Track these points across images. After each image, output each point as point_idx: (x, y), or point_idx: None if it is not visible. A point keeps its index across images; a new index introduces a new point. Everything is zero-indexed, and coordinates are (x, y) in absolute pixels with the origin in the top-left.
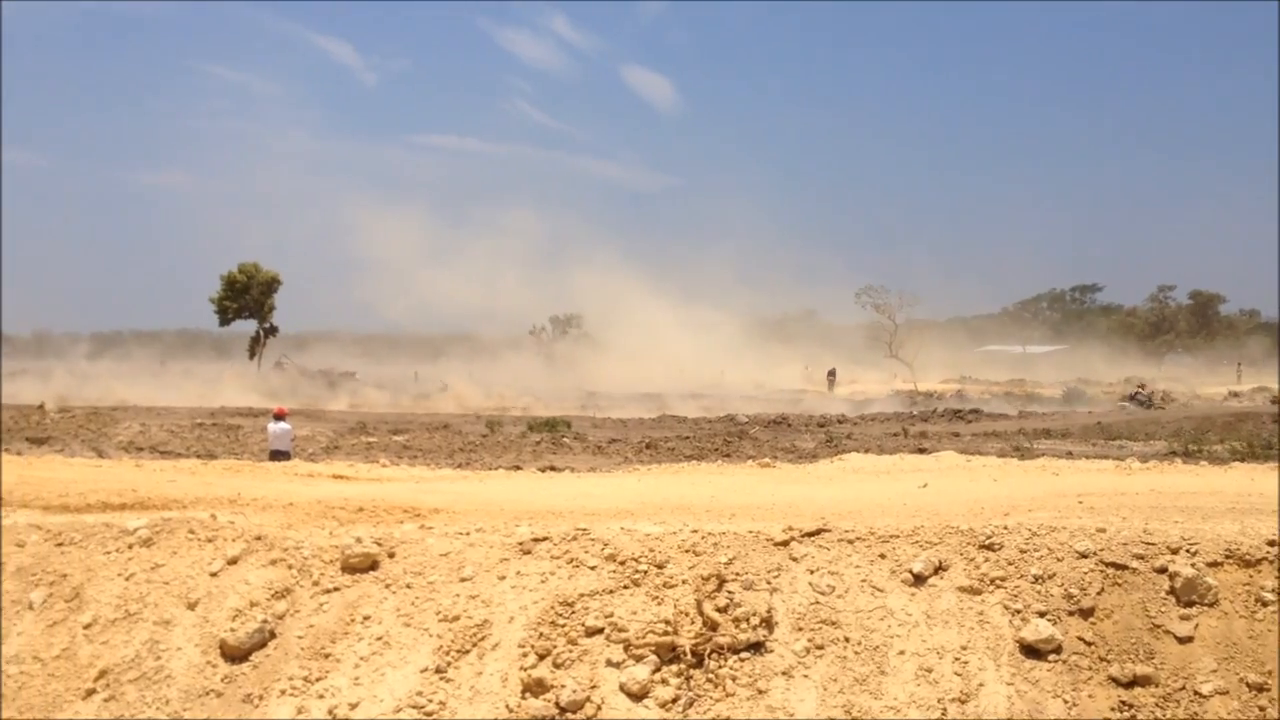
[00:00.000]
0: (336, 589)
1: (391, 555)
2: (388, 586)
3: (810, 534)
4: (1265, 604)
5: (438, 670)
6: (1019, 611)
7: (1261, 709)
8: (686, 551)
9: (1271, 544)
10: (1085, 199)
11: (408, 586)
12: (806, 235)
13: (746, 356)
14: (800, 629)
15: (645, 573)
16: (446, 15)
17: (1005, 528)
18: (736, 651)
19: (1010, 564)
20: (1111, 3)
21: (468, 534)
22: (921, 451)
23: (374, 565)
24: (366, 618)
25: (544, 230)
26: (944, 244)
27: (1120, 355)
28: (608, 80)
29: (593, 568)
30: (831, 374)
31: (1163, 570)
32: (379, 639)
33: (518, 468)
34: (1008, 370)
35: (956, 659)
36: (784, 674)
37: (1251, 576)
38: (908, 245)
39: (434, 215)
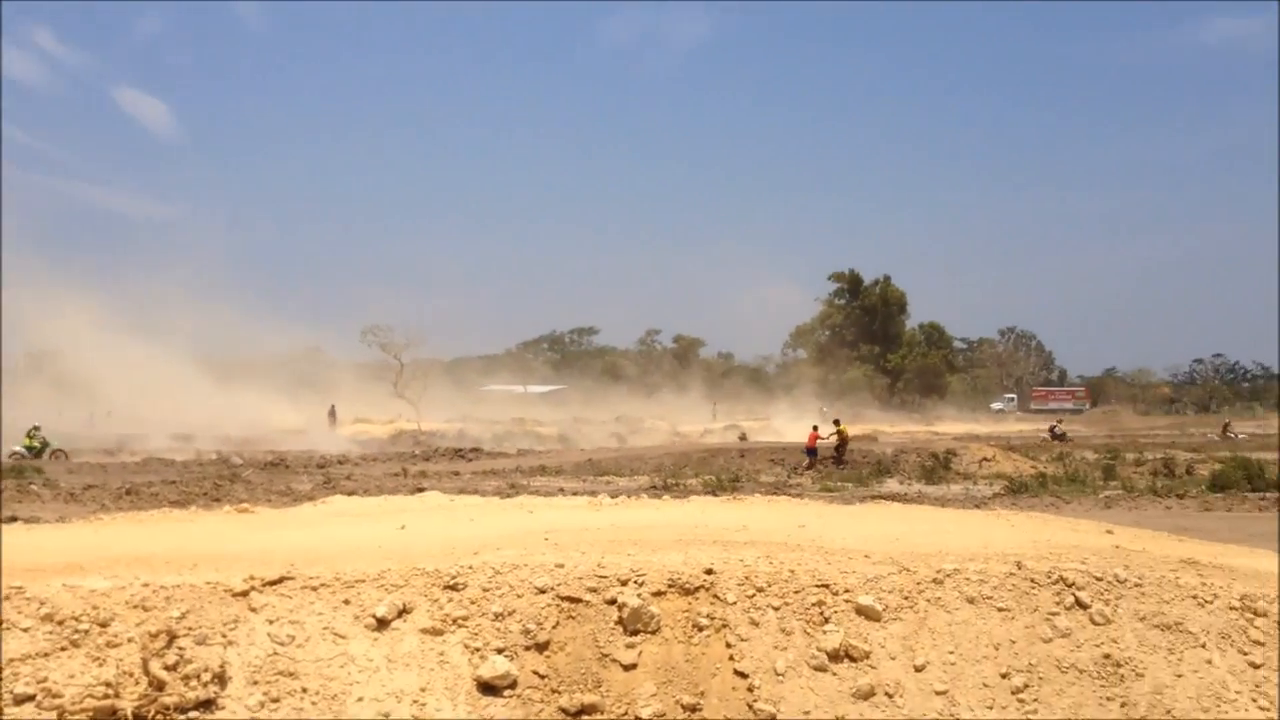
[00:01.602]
0: None
1: None
2: None
3: (272, 583)
4: (701, 629)
5: None
6: (478, 649)
7: None
8: (135, 607)
9: (709, 572)
10: (585, 246)
11: None
12: (314, 271)
13: (244, 395)
14: (256, 682)
15: (86, 632)
16: None
17: (470, 567)
18: (185, 710)
19: (473, 603)
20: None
21: None
22: (419, 491)
23: None
24: None
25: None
26: (451, 284)
27: (611, 394)
28: (97, 100)
29: (26, 629)
30: (332, 412)
31: (613, 601)
32: None
33: None
34: (509, 409)
35: (415, 701)
36: None
37: (690, 604)
38: (413, 285)
39: None
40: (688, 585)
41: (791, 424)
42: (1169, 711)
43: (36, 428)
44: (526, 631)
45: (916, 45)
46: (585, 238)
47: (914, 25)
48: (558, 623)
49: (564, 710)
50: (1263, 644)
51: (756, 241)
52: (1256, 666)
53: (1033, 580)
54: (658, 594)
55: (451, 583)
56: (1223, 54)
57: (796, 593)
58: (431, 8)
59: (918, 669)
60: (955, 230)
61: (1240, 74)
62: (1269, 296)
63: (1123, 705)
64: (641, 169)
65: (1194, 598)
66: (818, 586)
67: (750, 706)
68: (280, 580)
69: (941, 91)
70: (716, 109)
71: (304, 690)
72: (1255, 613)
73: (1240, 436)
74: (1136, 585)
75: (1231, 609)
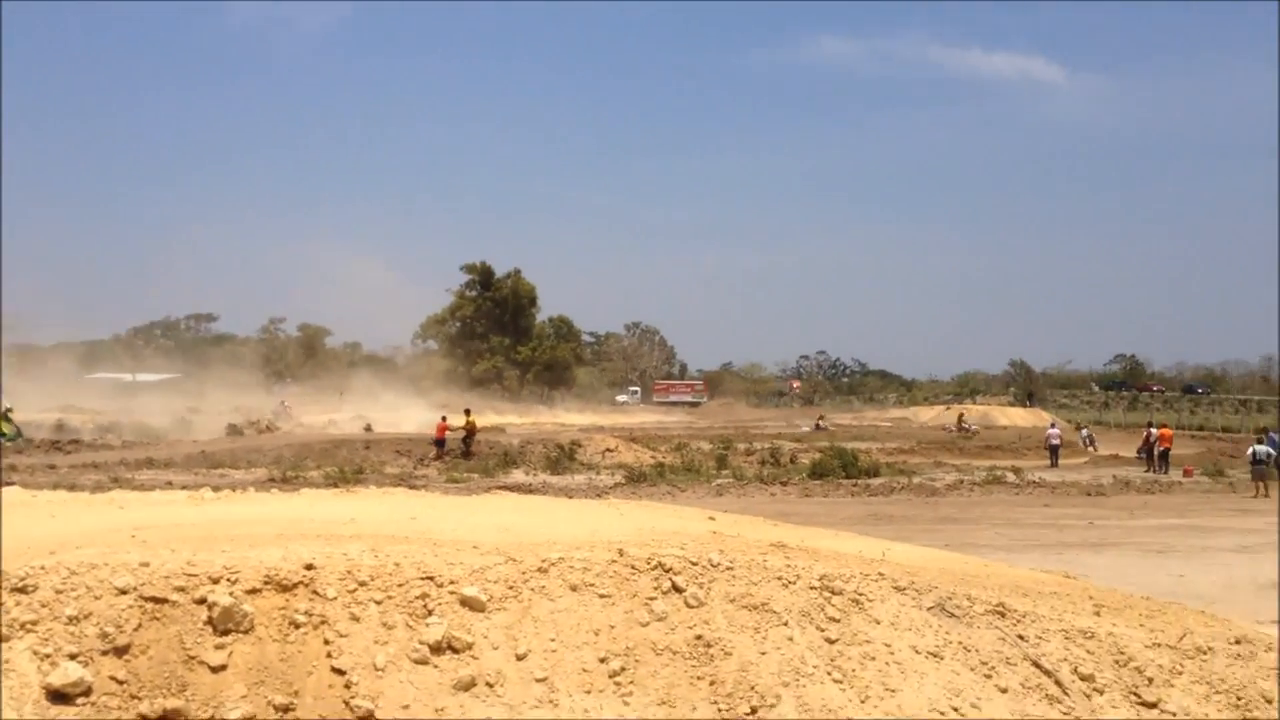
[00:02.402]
0: None
1: None
2: None
3: None
4: (298, 626)
5: None
6: (48, 656)
7: None
8: None
9: (309, 567)
10: (207, 228)
11: None
12: None
13: None
14: None
15: None
16: None
17: (43, 567)
18: None
19: (44, 606)
20: None
21: None
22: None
23: None
24: None
25: None
26: (44, 262)
27: (231, 383)
28: None
29: None
30: None
31: (203, 601)
32: None
33: None
34: (118, 399)
35: None
36: None
37: (288, 600)
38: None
39: None
40: (285, 581)
41: (420, 415)
42: (753, 687)
43: None
44: (104, 635)
45: (538, 44)
46: (204, 217)
47: (546, 28)
48: (140, 625)
49: (144, 717)
50: (838, 620)
51: (386, 231)
52: (832, 642)
53: (633, 566)
54: (252, 591)
55: (20, 585)
56: (827, 73)
57: (400, 585)
58: None
59: (519, 657)
60: (584, 227)
61: (843, 93)
62: (866, 297)
63: (711, 683)
64: (268, 152)
65: (779, 579)
66: (422, 579)
67: (347, 704)
68: None
69: (571, 90)
70: (350, 94)
71: None
72: (832, 591)
73: (829, 427)
74: (729, 569)
75: (812, 588)
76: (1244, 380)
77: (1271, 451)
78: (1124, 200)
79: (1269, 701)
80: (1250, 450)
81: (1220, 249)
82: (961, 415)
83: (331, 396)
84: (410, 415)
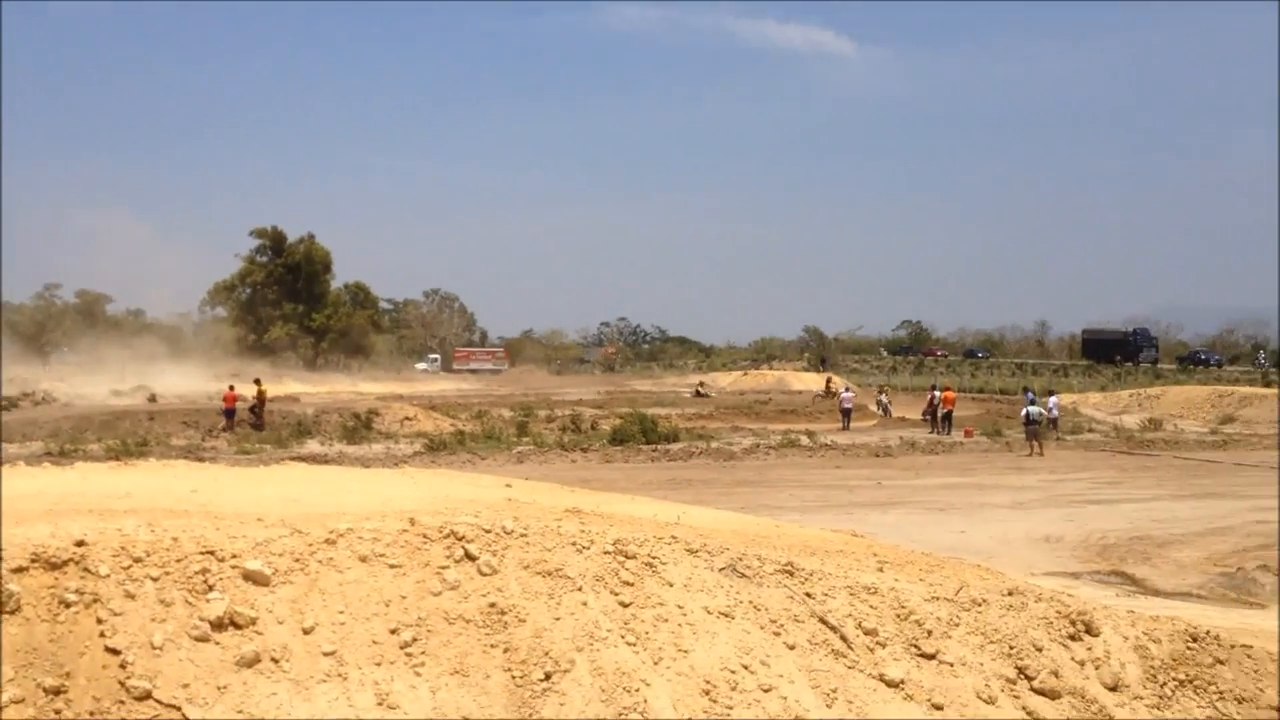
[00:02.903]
0: None
1: None
2: None
3: None
4: (69, 605)
5: None
6: None
7: (58, 711)
8: None
9: (80, 544)
10: None
11: None
12: None
13: None
14: None
15: None
16: None
17: None
18: None
19: None
20: None
21: None
22: None
23: None
24: None
25: None
26: None
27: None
28: None
29: None
30: None
31: None
32: None
33: None
34: None
35: None
36: None
37: (57, 579)
38: None
39: None
40: (54, 559)
41: (210, 385)
42: (547, 653)
43: None
44: None
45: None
46: None
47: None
48: None
49: None
50: (631, 584)
51: (168, 195)
52: (626, 605)
53: (425, 536)
54: (19, 570)
55: None
56: (624, 38)
57: (179, 561)
58: None
59: (306, 631)
60: (381, 193)
61: (640, 60)
62: (666, 265)
63: (505, 651)
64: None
65: (573, 544)
66: (203, 554)
67: (123, 684)
68: None
69: (365, 49)
70: (126, 48)
71: None
72: (626, 555)
73: (709, 394)
74: (522, 535)
75: (606, 553)
76: (1020, 344)
77: (1043, 412)
78: (911, 170)
79: (1039, 649)
80: (1024, 411)
81: (1001, 220)
82: (829, 379)
83: (113, 366)
84: (199, 385)
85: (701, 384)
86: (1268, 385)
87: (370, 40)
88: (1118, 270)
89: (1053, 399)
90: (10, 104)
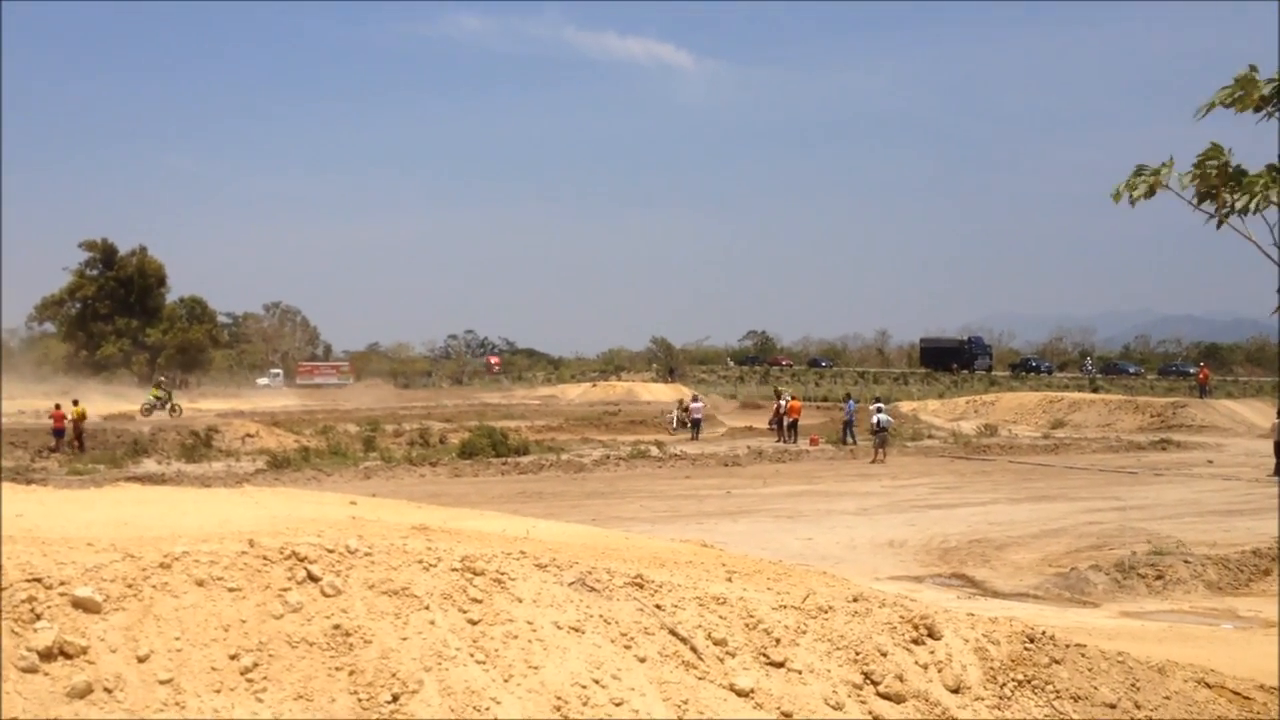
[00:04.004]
0: None
1: None
2: None
3: None
4: None
5: None
6: None
7: None
8: None
9: None
10: None
11: None
12: None
13: None
14: None
15: None
16: None
17: None
18: None
19: None
20: None
21: None
22: None
23: None
24: None
25: None
26: None
27: None
28: None
29: None
30: None
31: None
32: None
33: None
34: None
35: None
36: None
37: None
38: None
39: None
40: None
41: (39, 404)
42: (394, 675)
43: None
44: None
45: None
46: None
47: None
48: None
49: None
50: (480, 601)
51: None
52: (475, 623)
53: (265, 557)
54: None
55: None
56: (461, 47)
57: (4, 590)
58: None
59: (141, 659)
60: (216, 204)
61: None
62: (512, 277)
63: (351, 673)
64: None
65: (420, 562)
66: (29, 581)
67: None
68: None
69: (199, 54)
70: None
71: None
72: (474, 572)
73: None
74: (367, 554)
75: (454, 570)
76: (861, 353)
77: (891, 420)
78: (753, 180)
79: (884, 654)
80: (875, 420)
81: (840, 231)
82: (778, 391)
83: None
84: (28, 404)
85: (695, 398)
86: (1095, 390)
87: (206, 46)
88: (952, 280)
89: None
90: None
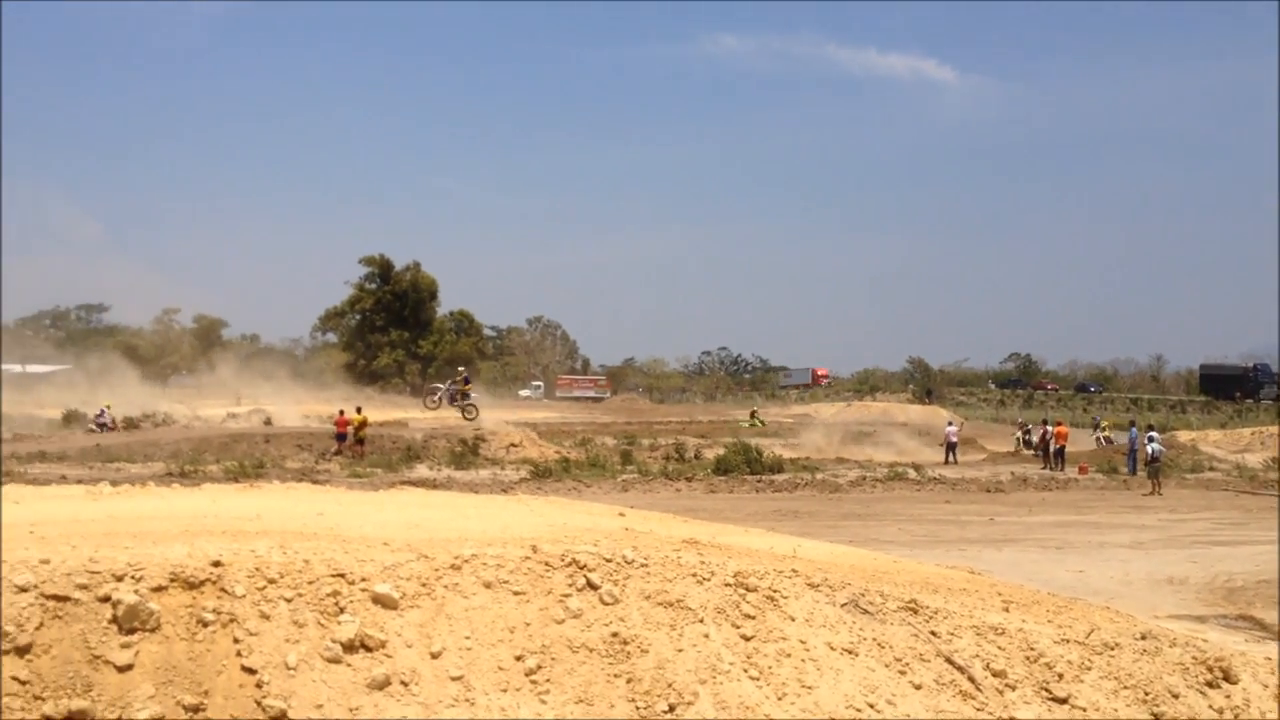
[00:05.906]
0: None
1: None
2: None
3: None
4: (206, 624)
5: None
6: None
7: None
8: None
9: (216, 564)
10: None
11: None
12: None
13: None
14: None
15: None
16: None
17: None
18: None
19: None
20: None
21: None
22: None
23: None
24: None
25: None
26: None
27: (125, 375)
28: None
29: None
30: None
31: (107, 599)
32: None
33: None
34: (8, 391)
35: None
36: None
37: (195, 598)
38: None
39: None
40: (192, 579)
41: (320, 408)
42: (670, 685)
43: None
44: (5, 634)
45: (434, 38)
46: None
47: (445, 19)
48: (42, 624)
49: (49, 718)
50: (753, 617)
51: (285, 221)
52: (748, 639)
53: (547, 563)
54: (158, 589)
55: None
56: (726, 69)
57: (311, 583)
58: None
59: (434, 655)
60: (486, 221)
61: (742, 89)
62: (769, 293)
63: (629, 681)
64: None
65: (694, 575)
66: (333, 576)
67: (259, 703)
68: None
69: (476, 84)
70: (241, 85)
71: None
72: (747, 588)
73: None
74: (643, 565)
75: (726, 585)
76: (1134, 379)
77: (1164, 449)
78: (1016, 199)
79: (1175, 696)
80: (1149, 449)
81: (1109, 249)
82: (1026, 427)
83: (229, 389)
84: (312, 409)
85: (1045, 422)
86: None
87: (480, 76)
88: (1236, 304)
89: (1151, 433)
90: (135, 130)
